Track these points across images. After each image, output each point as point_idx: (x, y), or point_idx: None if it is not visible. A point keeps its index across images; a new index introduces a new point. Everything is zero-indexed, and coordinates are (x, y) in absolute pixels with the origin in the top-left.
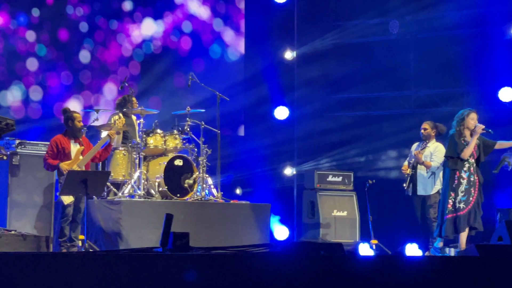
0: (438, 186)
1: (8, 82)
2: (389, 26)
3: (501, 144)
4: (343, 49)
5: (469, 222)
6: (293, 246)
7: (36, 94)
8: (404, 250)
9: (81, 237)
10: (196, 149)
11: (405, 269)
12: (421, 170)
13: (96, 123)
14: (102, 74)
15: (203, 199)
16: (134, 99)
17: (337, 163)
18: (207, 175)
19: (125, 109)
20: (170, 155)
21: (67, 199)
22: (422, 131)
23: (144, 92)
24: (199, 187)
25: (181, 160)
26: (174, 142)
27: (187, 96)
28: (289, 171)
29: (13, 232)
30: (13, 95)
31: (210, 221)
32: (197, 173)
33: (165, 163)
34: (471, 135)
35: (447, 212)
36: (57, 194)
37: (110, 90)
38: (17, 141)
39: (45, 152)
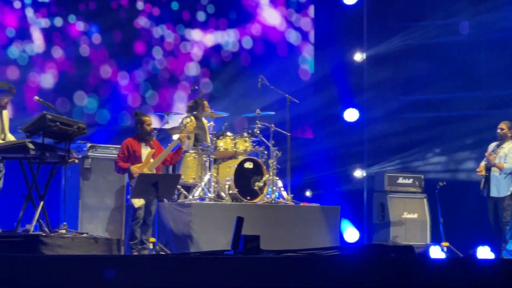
0: None
1: (81, 88)
2: (459, 27)
3: None
4: (413, 50)
5: None
6: (363, 248)
7: (105, 99)
8: (475, 252)
9: (152, 239)
10: (266, 152)
11: (476, 272)
12: (495, 172)
13: (167, 126)
14: (172, 80)
15: (273, 201)
16: (205, 102)
17: (407, 165)
18: (277, 178)
19: (196, 112)
20: (240, 158)
21: (138, 202)
22: (499, 130)
23: (214, 95)
24: (269, 189)
25: (251, 163)
26: (244, 144)
27: (257, 99)
28: (359, 173)
29: (85, 235)
30: (85, 101)
31: (280, 223)
32: (267, 175)
33: (235, 166)
34: None
35: None
36: (128, 197)
37: (180, 96)
38: (89, 145)
39: (116, 155)
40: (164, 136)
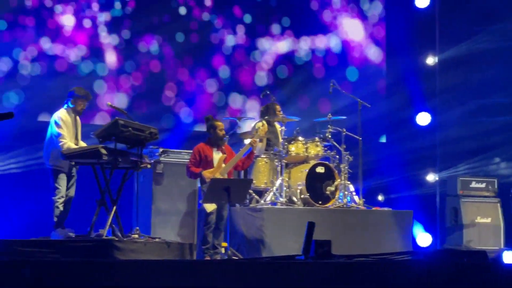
0: None
1: (153, 99)
2: None
3: None
4: (485, 53)
5: None
6: (436, 253)
7: (177, 106)
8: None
9: (224, 244)
10: (337, 156)
11: None
12: None
13: (239, 131)
14: (243, 88)
15: (345, 206)
16: (277, 106)
17: (480, 169)
18: (348, 182)
19: (267, 117)
20: (312, 162)
21: (210, 207)
22: None
23: (285, 100)
24: (341, 194)
25: (322, 167)
26: (315, 149)
27: (328, 104)
28: (431, 177)
29: (157, 239)
30: (160, 107)
31: (351, 228)
32: (339, 180)
33: (307, 170)
34: None
35: None
36: (200, 201)
37: (251, 102)
38: (161, 150)
39: (187, 160)
40: (236, 141)
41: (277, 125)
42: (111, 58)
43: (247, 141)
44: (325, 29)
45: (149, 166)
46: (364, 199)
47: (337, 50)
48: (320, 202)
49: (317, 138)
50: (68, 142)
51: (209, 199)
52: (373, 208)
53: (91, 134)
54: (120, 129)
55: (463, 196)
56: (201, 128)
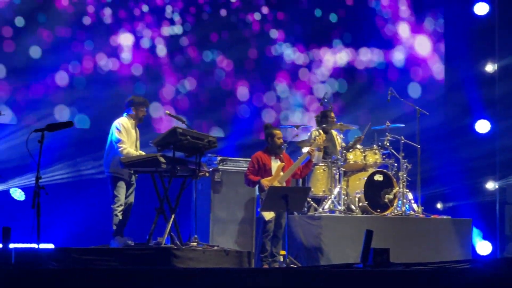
0: None
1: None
2: None
3: None
4: None
5: None
6: (496, 262)
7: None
8: None
9: (283, 252)
10: (396, 164)
11: None
12: None
13: (297, 139)
14: (301, 97)
15: (403, 214)
16: (332, 114)
17: None
18: (407, 190)
19: (324, 125)
20: (370, 170)
21: (268, 215)
22: None
23: (344, 108)
24: (400, 202)
25: (381, 175)
26: (374, 157)
27: (386, 111)
28: (491, 185)
29: (215, 247)
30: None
31: (410, 236)
32: (397, 188)
33: (365, 178)
34: None
35: None
36: (258, 210)
37: (309, 111)
38: (219, 158)
39: (246, 169)
40: (293, 149)
41: (334, 133)
42: (168, 74)
43: (305, 150)
44: (387, 43)
45: (207, 174)
46: (422, 207)
47: (400, 65)
48: (378, 210)
49: (375, 146)
50: (128, 148)
51: (267, 207)
52: (432, 216)
53: (150, 142)
54: (179, 138)
55: None
56: (259, 136)
